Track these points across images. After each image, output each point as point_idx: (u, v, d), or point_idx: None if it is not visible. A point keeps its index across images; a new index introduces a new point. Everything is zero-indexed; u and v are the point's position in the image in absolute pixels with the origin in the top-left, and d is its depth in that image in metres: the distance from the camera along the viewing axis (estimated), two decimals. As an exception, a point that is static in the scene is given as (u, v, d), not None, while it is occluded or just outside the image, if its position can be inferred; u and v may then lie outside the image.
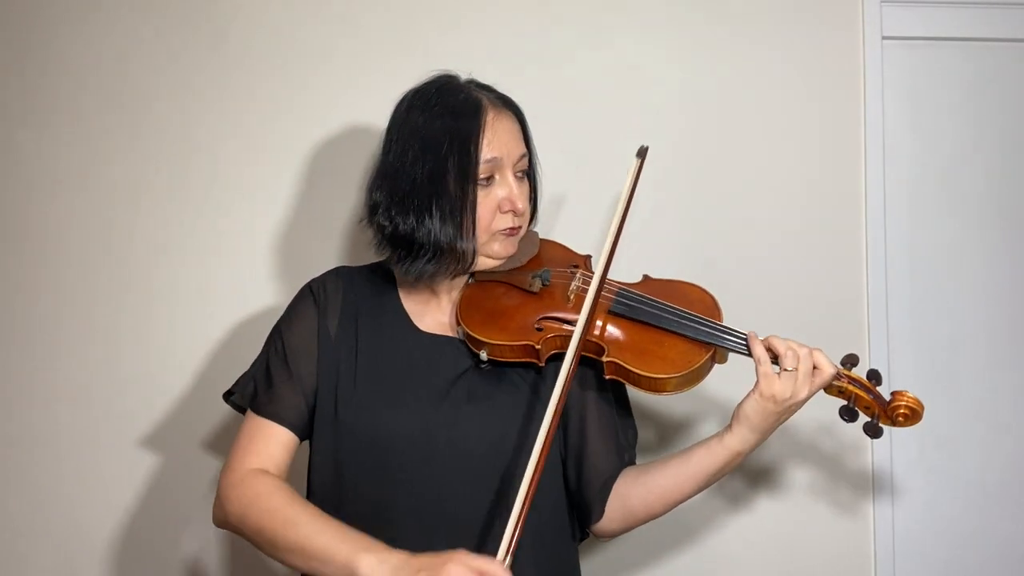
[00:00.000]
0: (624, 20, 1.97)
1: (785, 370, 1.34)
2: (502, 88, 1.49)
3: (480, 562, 1.19)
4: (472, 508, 1.38)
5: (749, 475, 1.94)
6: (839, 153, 1.98)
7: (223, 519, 1.40)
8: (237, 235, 1.92)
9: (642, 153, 1.47)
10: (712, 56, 1.98)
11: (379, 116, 1.49)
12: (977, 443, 1.99)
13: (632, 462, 1.50)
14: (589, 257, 1.55)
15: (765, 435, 1.38)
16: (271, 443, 1.41)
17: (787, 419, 1.38)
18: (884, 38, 2.00)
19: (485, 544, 1.34)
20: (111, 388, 1.91)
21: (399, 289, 1.49)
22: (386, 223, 1.41)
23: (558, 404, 1.28)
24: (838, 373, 1.37)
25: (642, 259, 1.86)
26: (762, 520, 1.94)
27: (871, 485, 1.95)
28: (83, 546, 1.90)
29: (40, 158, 1.93)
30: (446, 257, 1.40)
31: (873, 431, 1.40)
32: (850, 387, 1.39)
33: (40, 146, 1.93)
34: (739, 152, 1.97)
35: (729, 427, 1.39)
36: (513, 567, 1.20)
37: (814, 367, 1.36)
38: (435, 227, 1.37)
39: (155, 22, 1.93)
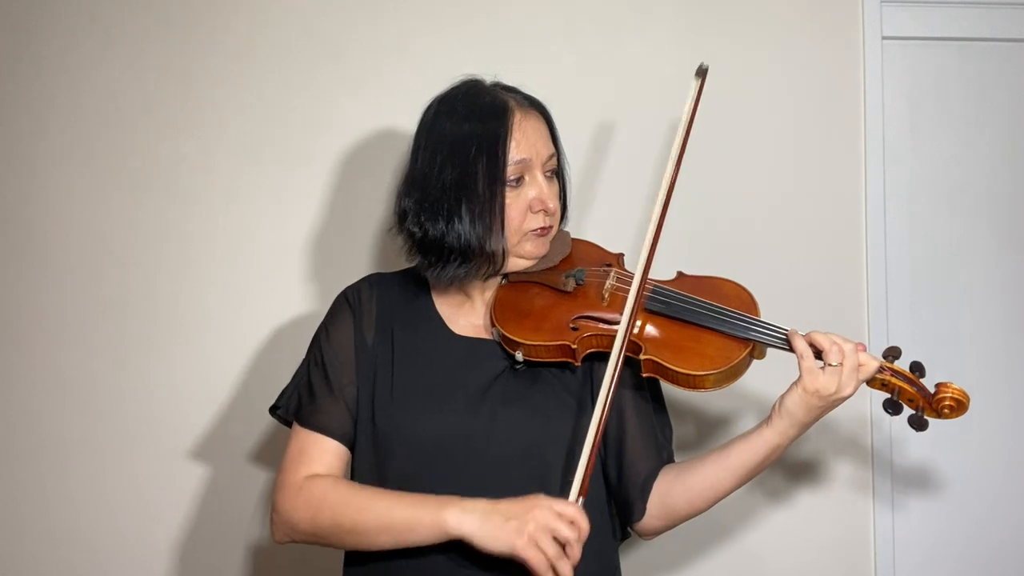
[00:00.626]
0: (624, 20, 1.97)
1: (829, 365, 1.32)
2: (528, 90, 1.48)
3: (561, 505, 1.24)
4: None
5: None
6: (839, 153, 1.98)
7: (290, 531, 1.39)
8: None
9: (702, 72, 1.44)
10: (712, 56, 1.97)
11: (408, 121, 1.49)
12: (977, 442, 1.99)
13: (671, 459, 1.49)
14: (622, 255, 1.54)
15: (805, 429, 1.37)
16: (323, 455, 1.41)
17: (827, 413, 1.37)
18: (884, 38, 2.00)
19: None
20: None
21: (432, 293, 1.49)
22: (416, 229, 1.41)
23: (607, 403, 1.29)
24: (881, 367, 1.36)
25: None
26: (762, 520, 1.94)
27: (871, 485, 1.95)
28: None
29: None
30: (476, 259, 1.39)
31: (918, 424, 1.37)
32: (894, 380, 1.37)
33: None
34: (739, 152, 1.97)
35: (768, 421, 1.37)
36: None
37: (859, 362, 1.34)
38: (464, 230, 1.37)
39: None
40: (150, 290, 1.92)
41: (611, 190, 1.94)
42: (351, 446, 1.43)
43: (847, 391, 1.33)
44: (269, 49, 1.94)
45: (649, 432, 1.47)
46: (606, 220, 1.91)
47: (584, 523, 1.24)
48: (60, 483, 1.91)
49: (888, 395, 1.38)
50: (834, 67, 1.99)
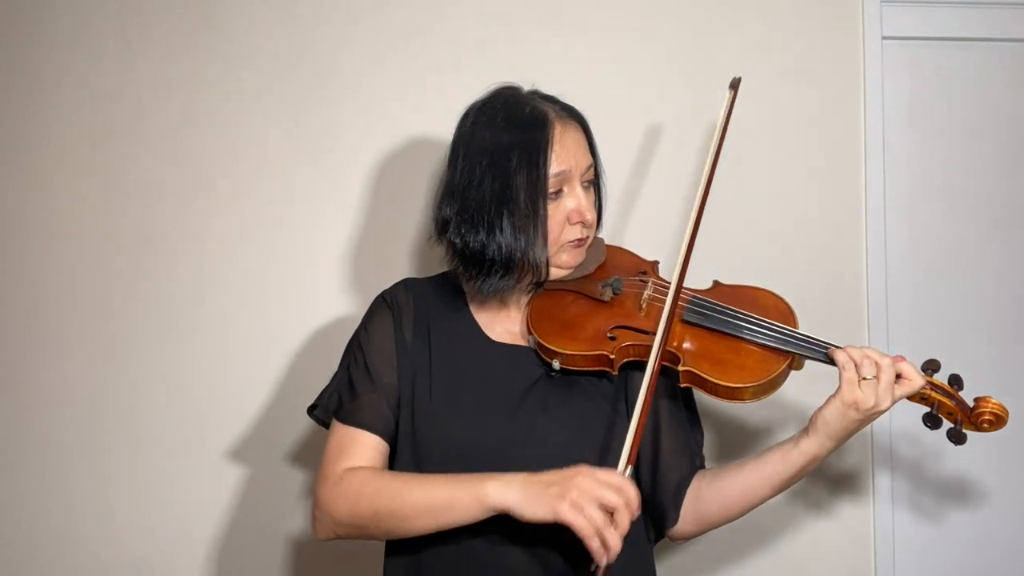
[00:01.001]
0: (624, 21, 1.98)
1: (864, 379, 1.32)
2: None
3: (605, 473, 1.23)
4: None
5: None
6: (839, 153, 1.98)
7: (332, 525, 1.38)
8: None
9: (735, 84, 1.44)
10: (712, 56, 1.98)
11: (445, 128, 1.49)
12: (977, 442, 1.99)
13: (702, 466, 1.50)
14: (656, 263, 1.55)
15: (842, 442, 1.37)
16: (362, 449, 1.40)
17: (865, 427, 1.37)
18: (884, 38, 2.00)
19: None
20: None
21: (468, 299, 1.49)
22: (456, 239, 1.40)
23: (641, 416, 1.28)
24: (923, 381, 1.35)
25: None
26: (762, 521, 1.94)
27: (871, 484, 1.95)
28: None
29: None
30: (518, 270, 1.39)
31: (956, 437, 1.38)
32: (933, 394, 1.36)
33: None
34: (739, 151, 1.97)
35: (806, 432, 1.37)
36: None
37: (898, 376, 1.34)
38: (506, 241, 1.37)
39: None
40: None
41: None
42: (392, 442, 1.42)
43: (884, 405, 1.33)
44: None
45: (682, 439, 1.47)
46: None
47: (631, 490, 1.22)
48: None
49: (928, 409, 1.38)
50: (834, 67, 1.99)
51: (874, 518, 1.95)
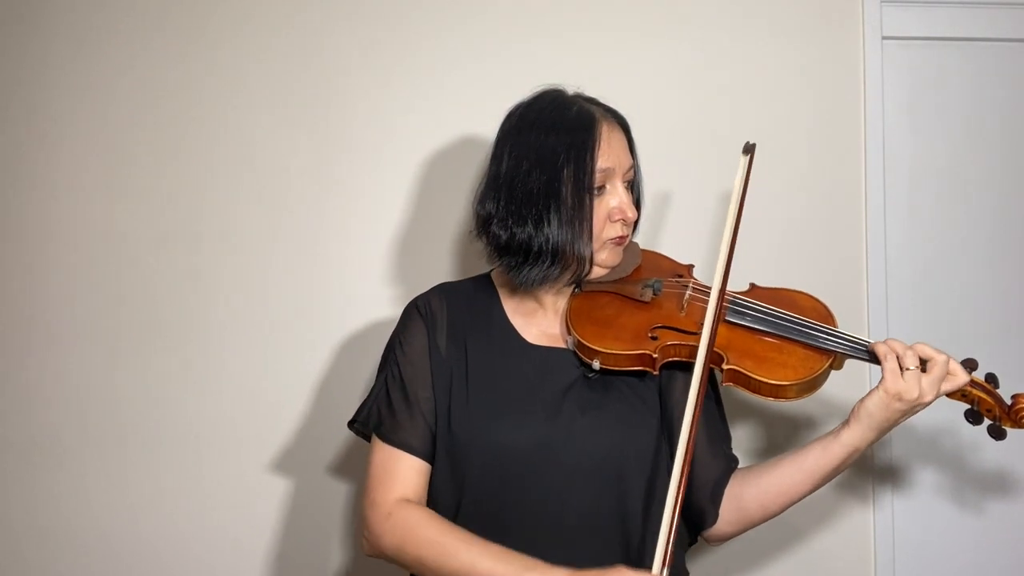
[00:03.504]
0: (620, 20, 1.98)
1: (908, 369, 1.34)
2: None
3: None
4: (591, 520, 1.38)
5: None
6: (839, 153, 1.98)
7: (377, 552, 1.41)
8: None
9: (749, 150, 1.47)
10: (712, 55, 1.98)
11: (487, 127, 1.50)
12: (977, 442, 1.99)
13: (735, 464, 1.50)
14: (692, 267, 1.56)
15: (883, 434, 1.38)
16: (407, 473, 1.41)
17: (907, 419, 1.38)
18: (884, 38, 2.00)
19: (603, 555, 1.35)
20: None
21: (503, 302, 1.50)
22: (501, 232, 1.41)
23: (694, 418, 1.30)
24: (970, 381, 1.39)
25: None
26: (763, 536, 1.94)
27: (871, 485, 1.95)
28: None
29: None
30: (564, 262, 1.40)
31: (997, 433, 1.42)
32: (973, 391, 1.40)
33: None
34: (739, 151, 1.97)
35: (847, 424, 1.38)
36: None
37: (948, 373, 1.36)
38: (553, 233, 1.38)
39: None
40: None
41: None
42: (431, 460, 1.43)
43: (928, 398, 1.34)
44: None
45: (716, 438, 1.48)
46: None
47: None
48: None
49: (969, 406, 1.42)
50: (834, 67, 1.99)
51: (874, 518, 1.95)
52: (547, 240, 1.38)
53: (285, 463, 1.92)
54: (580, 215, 1.39)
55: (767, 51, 1.98)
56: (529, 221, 1.39)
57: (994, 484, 1.99)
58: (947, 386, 1.36)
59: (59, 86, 1.95)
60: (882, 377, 1.35)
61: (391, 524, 1.37)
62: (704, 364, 1.33)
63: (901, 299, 2.00)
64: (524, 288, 1.45)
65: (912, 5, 2.01)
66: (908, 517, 1.98)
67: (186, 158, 1.94)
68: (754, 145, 1.46)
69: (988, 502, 1.99)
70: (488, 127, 1.49)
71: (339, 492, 1.92)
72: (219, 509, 1.91)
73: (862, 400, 1.37)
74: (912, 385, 1.33)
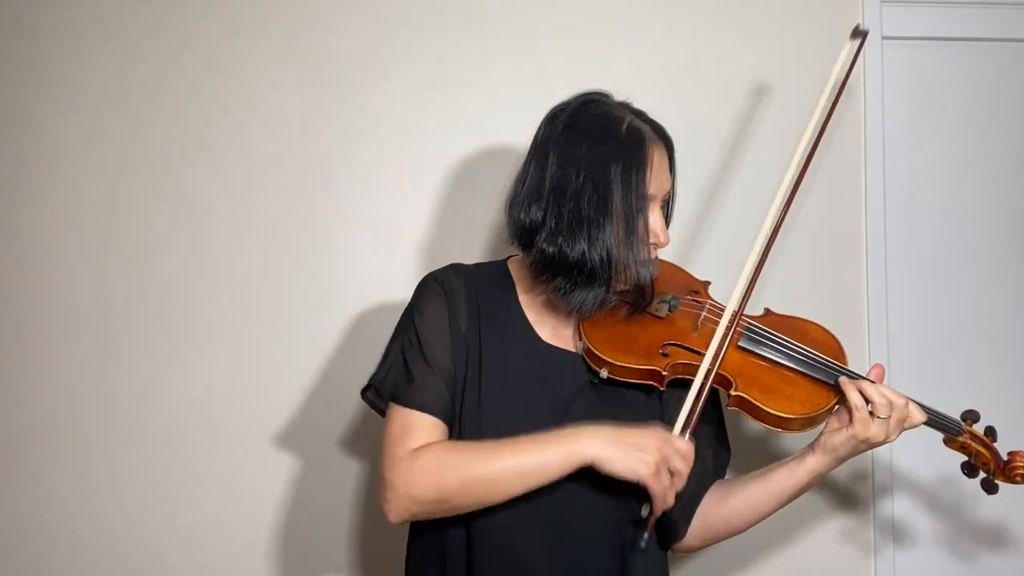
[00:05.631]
0: (621, 20, 1.98)
1: (879, 417, 1.37)
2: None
3: (679, 441, 1.32)
4: (588, 523, 1.39)
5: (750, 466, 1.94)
6: (839, 153, 1.98)
7: (410, 504, 1.34)
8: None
9: (860, 33, 1.45)
10: (712, 56, 1.98)
11: (516, 129, 1.52)
12: (981, 495, 1.99)
13: (710, 485, 1.51)
14: (708, 283, 1.56)
15: (843, 462, 1.43)
16: (426, 429, 1.37)
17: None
18: (884, 38, 2.00)
19: (607, 555, 1.37)
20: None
21: (519, 295, 1.48)
22: (550, 247, 1.37)
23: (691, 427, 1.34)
24: (962, 430, 1.44)
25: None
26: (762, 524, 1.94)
27: (871, 485, 1.96)
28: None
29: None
30: (618, 282, 1.39)
31: (989, 487, 1.45)
32: (972, 443, 1.44)
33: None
34: (739, 152, 1.97)
35: (812, 451, 1.42)
36: (633, 565, 1.37)
37: (908, 415, 1.40)
38: (606, 253, 1.36)
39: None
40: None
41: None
42: (451, 423, 1.40)
43: (893, 437, 1.40)
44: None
45: (701, 456, 1.46)
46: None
47: (692, 459, 1.32)
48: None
49: (966, 458, 1.46)
50: (834, 67, 1.98)
51: (874, 517, 1.96)
52: (600, 260, 1.36)
53: (290, 443, 1.92)
54: (634, 237, 1.37)
55: (767, 51, 1.98)
56: (581, 239, 1.36)
57: (994, 537, 1.98)
58: (908, 425, 1.40)
59: (47, 84, 1.95)
60: (851, 422, 1.38)
61: (420, 465, 1.33)
62: (703, 387, 1.35)
63: (901, 299, 2.00)
64: (579, 314, 1.43)
65: (912, 5, 2.01)
66: (908, 516, 1.98)
67: (192, 151, 1.94)
68: (867, 31, 1.44)
69: (988, 501, 1.99)
70: (517, 128, 1.48)
71: (349, 469, 1.92)
72: (220, 493, 1.91)
73: (827, 436, 1.40)
74: (879, 431, 1.37)
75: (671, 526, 1.47)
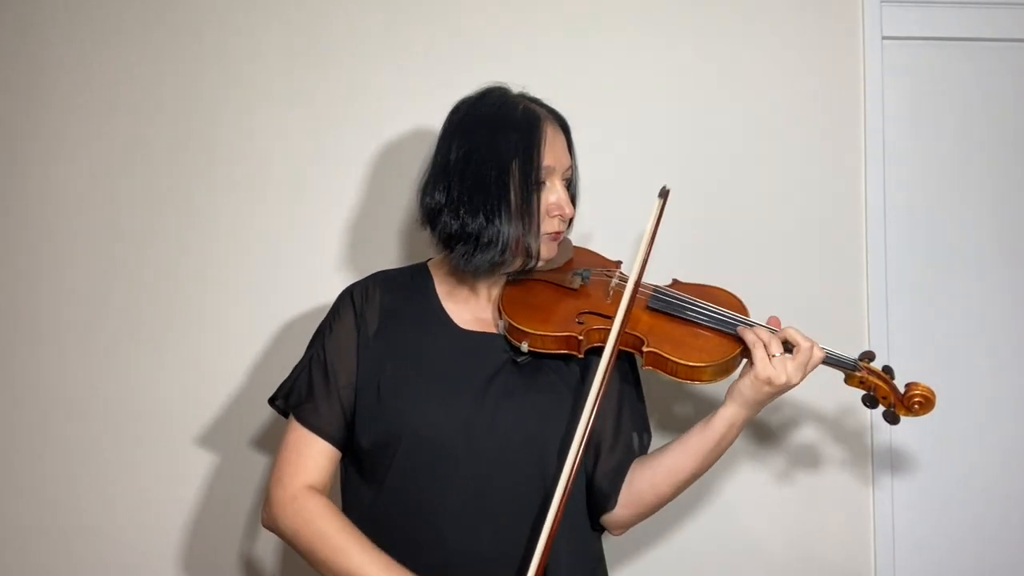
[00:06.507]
0: (621, 21, 1.98)
1: (774, 356, 1.44)
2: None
3: None
4: (515, 500, 1.43)
5: (749, 469, 1.94)
6: (839, 153, 1.98)
7: (274, 529, 1.47)
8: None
9: (664, 194, 1.54)
10: (712, 56, 1.98)
11: (437, 119, 1.54)
12: (977, 440, 2.00)
13: (643, 452, 1.57)
14: (620, 263, 1.65)
15: (757, 411, 1.48)
16: (317, 457, 1.47)
17: (777, 397, 1.48)
18: (884, 38, 2.00)
19: (529, 535, 1.40)
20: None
21: (437, 288, 1.55)
22: (453, 222, 1.46)
23: (599, 394, 1.38)
24: (858, 367, 1.51)
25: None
26: (763, 516, 1.94)
27: (871, 483, 1.96)
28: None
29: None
30: (512, 252, 1.47)
31: (891, 418, 1.52)
32: (870, 378, 1.51)
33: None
34: (739, 152, 1.97)
35: (724, 404, 1.48)
36: (550, 555, 1.33)
37: (812, 358, 1.46)
38: (502, 226, 1.45)
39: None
40: (172, 284, 1.93)
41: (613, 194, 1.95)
42: (342, 448, 1.49)
43: (795, 380, 1.44)
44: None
45: (625, 428, 1.55)
46: (606, 230, 1.94)
47: None
48: (81, 476, 1.92)
49: (865, 391, 1.53)
50: (834, 67, 1.99)
51: (874, 518, 1.95)
52: (498, 233, 1.45)
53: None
54: (528, 209, 1.46)
55: (767, 51, 1.98)
56: (481, 213, 1.45)
57: (994, 481, 1.99)
58: (810, 368, 1.45)
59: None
60: (752, 363, 1.44)
61: (293, 509, 1.43)
62: (615, 344, 1.41)
63: (901, 299, 2.00)
64: (473, 275, 1.51)
65: (912, 5, 2.01)
66: (909, 515, 1.98)
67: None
68: (668, 191, 1.54)
69: (988, 498, 1.99)
70: (437, 119, 1.53)
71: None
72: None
73: (736, 382, 1.47)
74: (780, 371, 1.43)
75: (601, 497, 1.52)
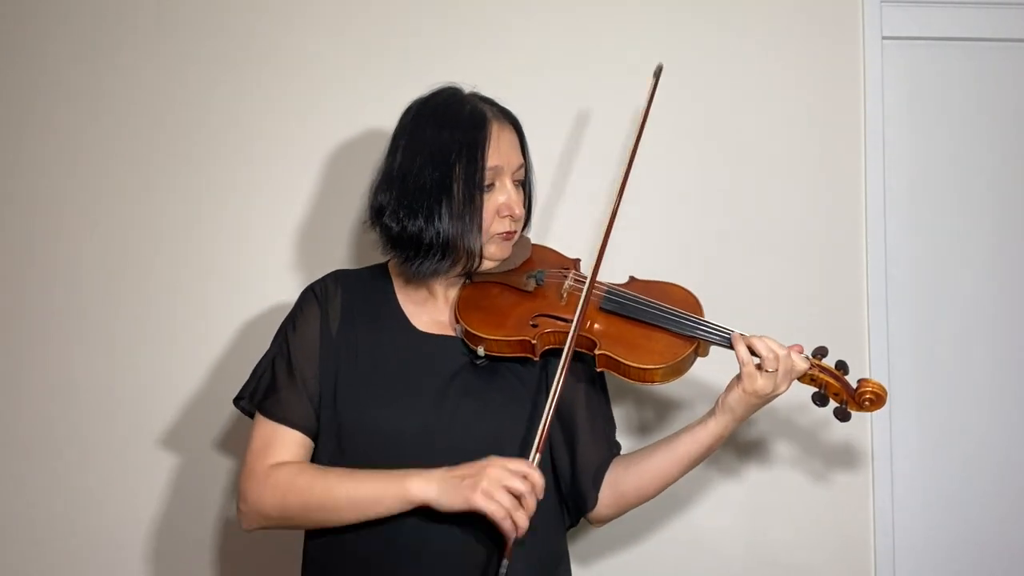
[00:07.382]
0: (621, 20, 1.98)
1: (766, 371, 1.44)
2: (504, 101, 1.55)
3: (513, 462, 1.33)
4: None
5: (749, 469, 1.95)
6: (839, 153, 1.98)
7: (259, 518, 1.44)
8: (253, 236, 1.94)
9: (657, 72, 1.53)
10: (712, 56, 1.98)
11: (390, 121, 1.54)
12: (977, 440, 2.00)
13: (618, 452, 1.59)
14: (579, 260, 1.64)
15: (744, 420, 1.50)
16: (287, 445, 1.46)
17: (766, 405, 1.49)
18: (884, 38, 2.00)
19: (486, 535, 1.39)
20: (131, 389, 1.93)
21: (396, 290, 1.55)
22: (393, 224, 1.47)
23: (555, 393, 1.38)
24: (811, 365, 1.49)
25: (643, 259, 1.88)
26: (763, 516, 1.94)
27: (871, 482, 1.95)
28: (109, 544, 1.92)
29: (58, 162, 1.95)
30: (454, 255, 1.46)
31: (842, 415, 1.51)
32: (821, 375, 1.49)
33: (58, 149, 1.95)
34: (739, 152, 1.97)
35: (712, 414, 1.49)
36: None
37: (793, 364, 1.46)
38: (443, 227, 1.44)
39: (176, 30, 1.96)
40: (132, 284, 1.93)
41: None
42: (314, 436, 1.48)
43: (781, 389, 1.46)
44: (255, 53, 1.96)
45: (599, 426, 1.57)
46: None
47: (536, 476, 1.33)
48: (47, 477, 1.92)
49: (816, 389, 1.51)
50: (834, 67, 1.99)
51: (874, 516, 1.95)
52: (437, 234, 1.44)
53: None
54: (470, 210, 1.45)
55: (767, 51, 1.98)
56: (420, 215, 1.44)
57: (994, 481, 1.99)
58: (795, 374, 1.46)
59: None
60: (740, 377, 1.45)
61: (270, 483, 1.41)
62: (569, 346, 1.42)
63: (901, 299, 2.00)
64: (417, 279, 1.51)
65: (912, 5, 2.01)
66: (908, 514, 1.98)
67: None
68: (662, 67, 1.54)
69: (987, 498, 1.99)
70: (390, 121, 1.53)
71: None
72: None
73: (724, 395, 1.48)
74: (767, 383, 1.44)
75: (582, 496, 1.53)
